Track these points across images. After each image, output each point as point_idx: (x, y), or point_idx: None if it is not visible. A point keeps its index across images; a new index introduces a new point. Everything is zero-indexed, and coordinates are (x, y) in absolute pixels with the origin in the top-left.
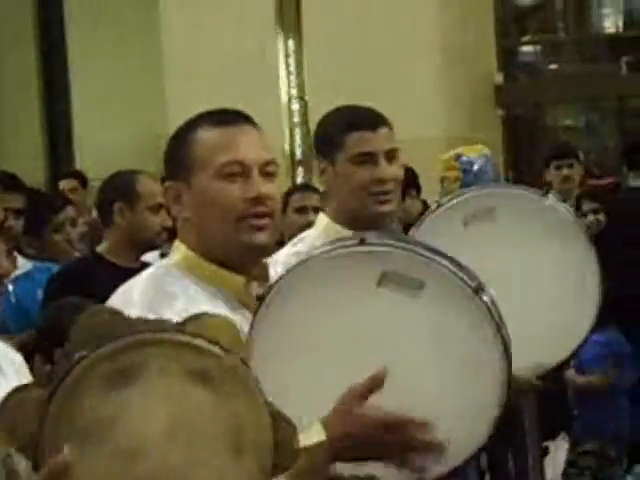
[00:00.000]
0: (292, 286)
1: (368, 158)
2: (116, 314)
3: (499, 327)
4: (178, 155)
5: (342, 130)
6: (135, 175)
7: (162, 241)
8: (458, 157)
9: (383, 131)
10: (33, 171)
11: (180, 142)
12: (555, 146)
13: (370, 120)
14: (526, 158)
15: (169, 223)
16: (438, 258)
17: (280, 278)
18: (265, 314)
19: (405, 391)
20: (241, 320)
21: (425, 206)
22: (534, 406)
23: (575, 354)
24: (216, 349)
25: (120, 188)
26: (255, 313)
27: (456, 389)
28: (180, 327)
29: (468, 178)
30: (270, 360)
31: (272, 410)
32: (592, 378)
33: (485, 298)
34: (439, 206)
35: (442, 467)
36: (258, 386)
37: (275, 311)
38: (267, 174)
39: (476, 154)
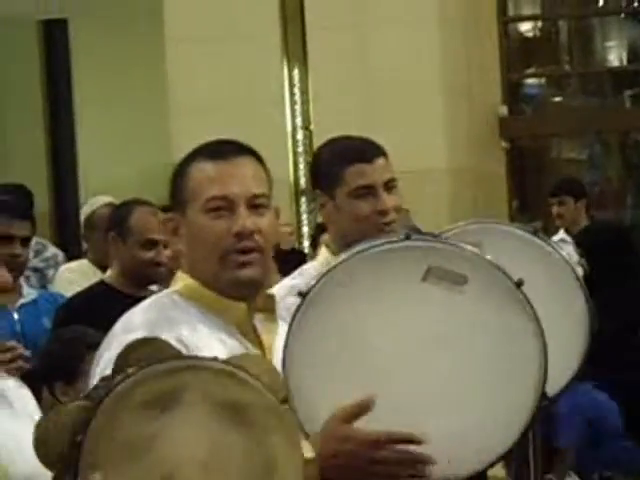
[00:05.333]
0: (335, 285)
1: (368, 191)
2: (165, 344)
3: (537, 319)
4: (176, 187)
5: (339, 165)
6: (133, 207)
7: (160, 275)
8: None
9: (380, 162)
10: (37, 202)
11: (178, 175)
12: (559, 181)
13: (366, 152)
14: (530, 190)
15: (162, 259)
16: (480, 254)
17: (322, 276)
18: (307, 312)
19: (446, 382)
20: (239, 349)
21: None
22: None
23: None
24: (258, 384)
25: (115, 218)
26: (297, 310)
27: (495, 382)
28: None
29: None
30: (314, 358)
31: (301, 452)
32: None
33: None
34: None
35: (475, 465)
36: (295, 426)
37: (318, 309)
38: (256, 207)
39: None
